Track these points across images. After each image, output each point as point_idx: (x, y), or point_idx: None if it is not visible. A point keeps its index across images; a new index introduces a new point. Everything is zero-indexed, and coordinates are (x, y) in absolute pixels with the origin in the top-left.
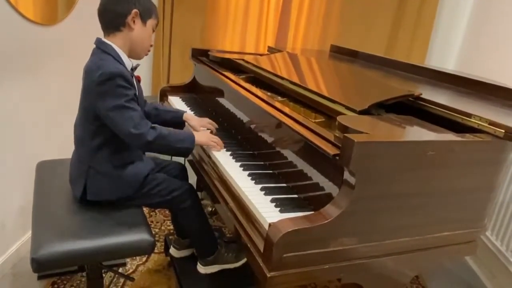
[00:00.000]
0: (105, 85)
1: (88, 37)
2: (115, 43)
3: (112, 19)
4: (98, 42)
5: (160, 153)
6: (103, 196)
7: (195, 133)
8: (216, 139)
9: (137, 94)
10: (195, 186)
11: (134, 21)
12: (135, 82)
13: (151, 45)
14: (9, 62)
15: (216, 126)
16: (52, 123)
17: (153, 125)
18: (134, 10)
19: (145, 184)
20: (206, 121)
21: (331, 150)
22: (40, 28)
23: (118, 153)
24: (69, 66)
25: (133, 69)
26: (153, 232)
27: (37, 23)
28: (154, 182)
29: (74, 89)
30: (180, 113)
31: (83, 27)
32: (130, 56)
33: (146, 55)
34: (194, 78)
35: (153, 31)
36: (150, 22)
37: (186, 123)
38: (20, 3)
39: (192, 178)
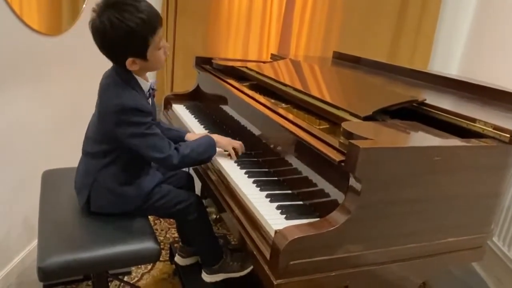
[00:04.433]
0: (123, 116)
1: (92, 47)
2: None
3: (117, 59)
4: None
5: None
6: (105, 209)
7: (214, 136)
8: (239, 144)
9: (154, 114)
10: (199, 193)
11: (135, 62)
12: (151, 102)
13: (165, 54)
14: (15, 72)
15: None
16: (57, 132)
17: (175, 145)
18: (129, 60)
19: (150, 197)
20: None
21: (336, 157)
22: (45, 38)
23: (125, 171)
24: (74, 75)
25: (153, 89)
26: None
27: (42, 33)
28: (158, 194)
29: (79, 98)
30: (183, 133)
31: (87, 38)
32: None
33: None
34: (197, 86)
35: (160, 40)
36: (153, 45)
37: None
38: (25, 13)
39: (197, 186)
